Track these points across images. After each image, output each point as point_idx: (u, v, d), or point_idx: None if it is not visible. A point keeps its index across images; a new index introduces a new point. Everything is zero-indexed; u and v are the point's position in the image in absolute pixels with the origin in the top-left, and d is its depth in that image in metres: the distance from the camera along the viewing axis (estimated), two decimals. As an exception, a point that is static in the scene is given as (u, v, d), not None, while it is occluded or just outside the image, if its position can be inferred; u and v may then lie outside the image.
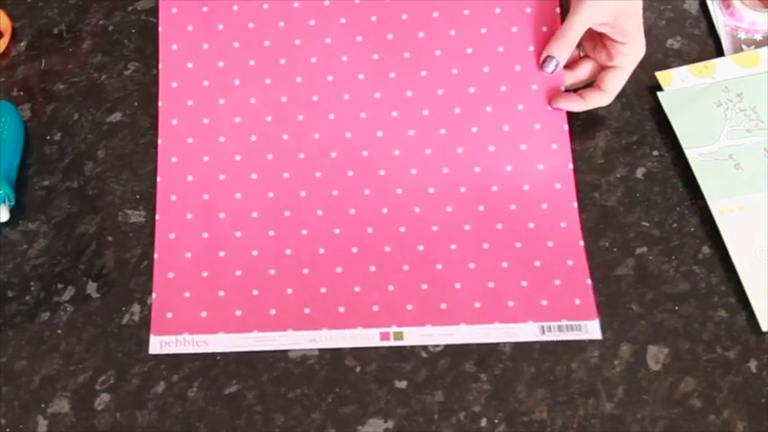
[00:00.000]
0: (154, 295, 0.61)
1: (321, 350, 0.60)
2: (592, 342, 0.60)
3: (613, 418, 0.57)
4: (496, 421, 0.58)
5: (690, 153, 0.65)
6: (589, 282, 0.61)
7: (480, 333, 0.60)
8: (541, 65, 0.65)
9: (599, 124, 0.68)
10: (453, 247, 0.62)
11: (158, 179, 0.65)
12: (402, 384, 0.59)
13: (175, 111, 0.66)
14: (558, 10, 0.66)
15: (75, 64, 0.71)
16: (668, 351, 0.59)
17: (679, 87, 0.68)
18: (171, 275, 0.62)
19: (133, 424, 0.58)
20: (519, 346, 0.60)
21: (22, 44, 0.72)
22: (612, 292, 0.62)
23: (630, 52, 0.63)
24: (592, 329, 0.60)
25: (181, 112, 0.66)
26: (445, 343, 0.60)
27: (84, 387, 0.59)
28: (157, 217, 0.64)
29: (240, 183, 0.65)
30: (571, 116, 0.66)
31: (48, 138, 0.68)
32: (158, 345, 0.60)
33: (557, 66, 0.64)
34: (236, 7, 0.68)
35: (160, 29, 0.68)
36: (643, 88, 0.70)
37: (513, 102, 0.65)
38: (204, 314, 0.61)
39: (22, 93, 0.70)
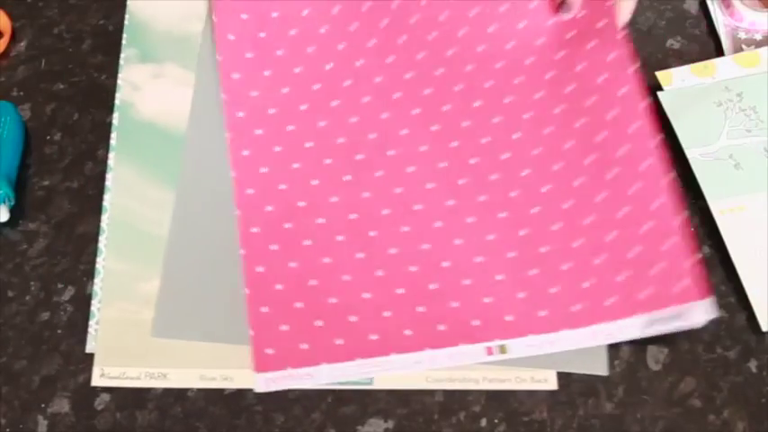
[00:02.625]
0: (251, 332, 0.58)
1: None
2: (592, 342, 0.60)
3: (613, 418, 0.57)
4: (496, 421, 0.58)
5: (690, 153, 0.65)
6: (692, 259, 0.56)
7: (586, 335, 0.57)
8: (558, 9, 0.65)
9: (599, 124, 0.68)
10: (543, 250, 0.59)
11: (238, 213, 0.62)
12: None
13: (245, 142, 0.64)
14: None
15: (75, 64, 0.71)
16: (668, 351, 0.59)
17: (679, 87, 0.68)
18: (265, 310, 0.59)
19: (133, 424, 0.58)
20: (519, 346, 0.60)
21: (22, 44, 0.72)
22: (612, 292, 0.62)
23: None
24: (702, 310, 0.55)
25: (251, 143, 0.64)
26: (550, 351, 0.57)
27: (85, 387, 0.59)
28: (242, 252, 0.61)
29: (321, 208, 0.62)
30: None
31: (48, 138, 0.68)
32: (264, 383, 0.57)
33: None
34: (293, 32, 0.67)
35: (219, 58, 0.67)
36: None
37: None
38: (305, 346, 0.58)
39: (22, 93, 0.70)
